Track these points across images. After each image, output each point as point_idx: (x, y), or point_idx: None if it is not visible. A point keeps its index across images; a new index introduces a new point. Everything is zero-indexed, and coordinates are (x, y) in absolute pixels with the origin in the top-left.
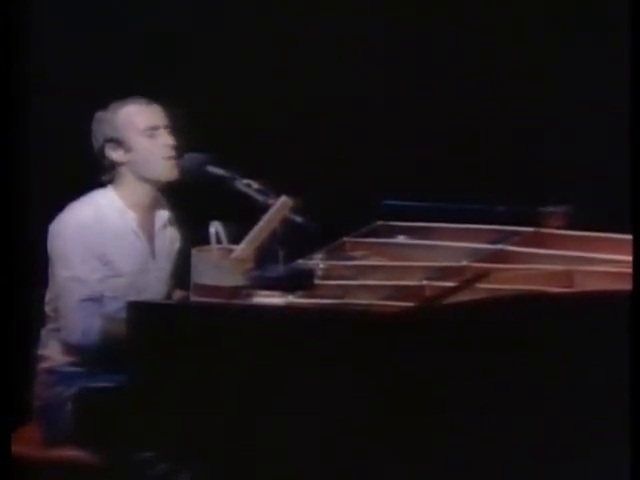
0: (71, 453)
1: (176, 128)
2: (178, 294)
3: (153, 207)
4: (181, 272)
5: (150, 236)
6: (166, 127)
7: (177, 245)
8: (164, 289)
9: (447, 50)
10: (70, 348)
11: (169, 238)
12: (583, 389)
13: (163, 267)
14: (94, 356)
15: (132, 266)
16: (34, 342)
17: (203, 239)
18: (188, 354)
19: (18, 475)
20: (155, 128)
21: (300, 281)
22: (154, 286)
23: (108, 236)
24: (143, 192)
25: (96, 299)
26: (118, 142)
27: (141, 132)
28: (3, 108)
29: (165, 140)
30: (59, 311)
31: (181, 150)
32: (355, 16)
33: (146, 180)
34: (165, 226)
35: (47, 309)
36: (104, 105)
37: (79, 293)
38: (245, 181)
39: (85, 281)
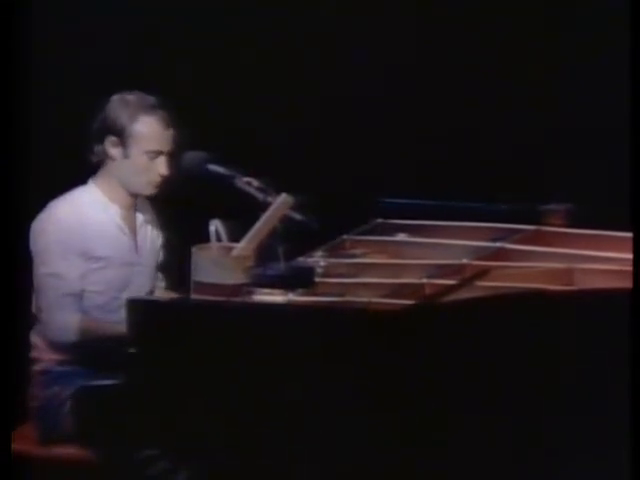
0: (71, 451)
1: (176, 155)
2: (160, 291)
3: (134, 203)
4: (164, 269)
5: (132, 230)
6: (168, 154)
7: (159, 242)
8: (148, 284)
9: (447, 49)
10: (51, 345)
11: (150, 235)
12: (583, 387)
13: (146, 262)
14: (75, 353)
15: (117, 258)
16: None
17: (203, 237)
18: (188, 352)
19: (18, 473)
20: (159, 153)
21: (300, 279)
22: (138, 280)
23: (91, 231)
24: (124, 191)
25: (75, 295)
26: (121, 143)
27: (146, 151)
28: (3, 108)
29: (161, 169)
30: (39, 308)
31: (182, 149)
32: (355, 15)
33: (124, 186)
34: (146, 222)
35: (34, 310)
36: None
37: (57, 289)
38: (245, 179)
39: (63, 277)
